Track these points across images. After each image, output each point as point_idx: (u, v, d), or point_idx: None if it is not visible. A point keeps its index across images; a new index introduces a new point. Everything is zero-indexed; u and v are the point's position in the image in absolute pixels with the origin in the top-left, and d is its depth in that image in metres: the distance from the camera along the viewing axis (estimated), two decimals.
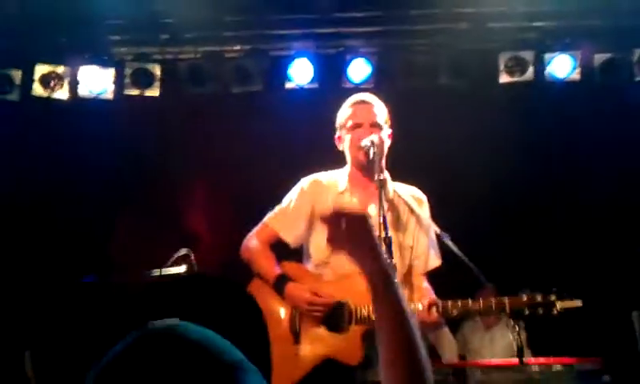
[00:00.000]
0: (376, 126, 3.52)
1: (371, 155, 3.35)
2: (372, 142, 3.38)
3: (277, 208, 3.70)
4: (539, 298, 3.16)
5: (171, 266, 5.19)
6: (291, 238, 3.63)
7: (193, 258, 5.26)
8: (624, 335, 5.20)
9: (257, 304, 1.48)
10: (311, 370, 3.33)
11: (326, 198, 3.61)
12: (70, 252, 6.39)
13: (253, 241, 3.67)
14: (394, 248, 3.33)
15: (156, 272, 5.15)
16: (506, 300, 3.20)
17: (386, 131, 3.58)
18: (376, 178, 3.23)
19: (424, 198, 3.71)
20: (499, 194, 6.53)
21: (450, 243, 3.40)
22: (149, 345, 1.01)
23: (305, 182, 3.69)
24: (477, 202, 6.37)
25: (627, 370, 5.06)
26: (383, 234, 3.01)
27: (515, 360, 4.87)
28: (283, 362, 3.39)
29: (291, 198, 3.68)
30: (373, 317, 3.25)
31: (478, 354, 5.91)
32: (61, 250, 6.42)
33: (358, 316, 3.31)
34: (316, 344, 3.36)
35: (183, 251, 5.19)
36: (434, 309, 3.23)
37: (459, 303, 3.26)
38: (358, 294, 3.32)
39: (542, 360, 4.93)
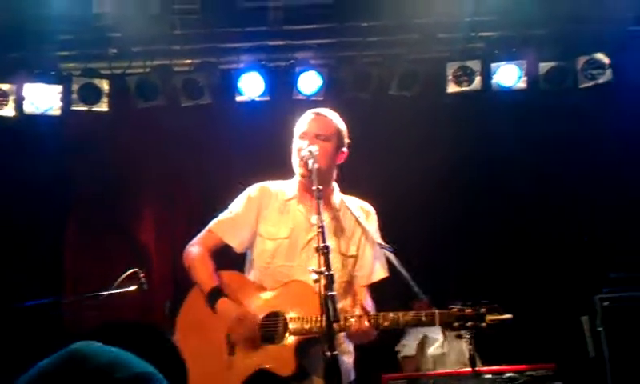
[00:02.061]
0: (319, 138, 3.51)
1: (309, 165, 3.35)
2: (310, 153, 3.39)
3: (222, 214, 3.70)
4: (468, 311, 3.17)
5: (121, 284, 5.13)
6: (236, 242, 3.63)
7: (142, 275, 5.21)
8: (574, 341, 5.29)
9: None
10: (244, 381, 3.31)
11: (273, 204, 3.61)
12: (19, 272, 6.25)
13: (195, 247, 3.64)
14: (336, 256, 3.33)
15: (105, 292, 5.09)
16: (436, 312, 3.21)
17: (334, 143, 3.57)
18: (313, 187, 3.23)
19: (372, 210, 3.73)
20: (449, 202, 6.59)
21: (390, 255, 3.41)
22: (68, 360, 1.07)
23: (252, 189, 3.69)
24: (426, 211, 6.43)
25: (579, 375, 5.14)
26: (321, 244, 3.01)
27: (468, 369, 4.96)
28: (217, 373, 3.38)
29: (237, 203, 3.68)
30: (307, 327, 3.26)
31: (434, 365, 5.94)
32: (7, 269, 6.27)
33: (292, 327, 3.30)
34: (250, 355, 3.34)
35: (132, 270, 5.14)
36: (364, 319, 3.22)
37: (390, 315, 3.27)
38: (293, 304, 3.33)
39: (494, 368, 5.02)
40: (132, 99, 6.40)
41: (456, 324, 3.17)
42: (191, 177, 6.78)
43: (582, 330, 5.53)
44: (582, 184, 6.42)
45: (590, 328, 5.54)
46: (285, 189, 3.65)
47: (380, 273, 3.60)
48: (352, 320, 3.24)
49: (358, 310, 3.29)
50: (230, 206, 3.69)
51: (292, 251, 3.48)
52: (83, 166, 6.65)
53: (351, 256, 3.55)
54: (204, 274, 3.53)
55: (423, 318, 3.22)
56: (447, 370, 5.27)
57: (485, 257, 6.45)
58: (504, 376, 4.88)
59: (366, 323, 3.22)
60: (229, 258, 3.75)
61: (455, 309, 3.17)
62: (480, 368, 4.86)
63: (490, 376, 4.86)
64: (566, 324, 5.62)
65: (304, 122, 3.60)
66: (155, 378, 1.09)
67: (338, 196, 3.66)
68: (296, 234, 3.52)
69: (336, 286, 3.34)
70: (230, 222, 3.63)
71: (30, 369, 1.09)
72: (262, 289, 3.51)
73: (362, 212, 3.63)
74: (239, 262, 3.75)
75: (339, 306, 3.34)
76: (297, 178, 3.63)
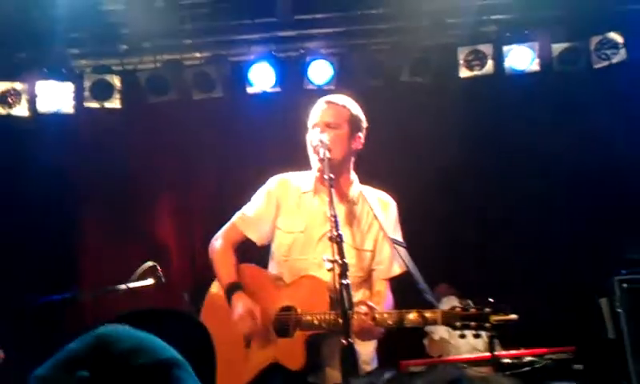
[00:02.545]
0: (330, 126, 3.47)
1: (321, 154, 3.33)
2: (321, 142, 3.36)
3: (244, 208, 3.70)
4: (472, 311, 3.11)
5: (138, 279, 5.15)
6: (256, 237, 3.63)
7: (159, 270, 5.23)
8: (594, 323, 5.25)
9: (207, 333, 1.47)
10: (259, 373, 3.35)
11: (292, 197, 3.60)
12: (36, 269, 6.29)
13: (218, 241, 3.68)
14: (349, 248, 3.31)
15: (122, 286, 5.11)
16: (439, 312, 3.17)
17: (347, 129, 3.52)
18: (325, 176, 3.21)
19: (391, 201, 3.66)
20: (464, 187, 6.55)
21: (402, 254, 3.38)
22: (93, 344, 1.08)
23: (272, 182, 3.68)
24: (441, 197, 6.40)
25: (599, 357, 5.11)
26: (335, 233, 3.00)
27: (487, 354, 4.94)
28: (233, 365, 3.42)
29: (258, 197, 3.67)
30: (316, 323, 3.26)
31: (456, 351, 5.91)
32: (26, 267, 6.32)
33: (303, 322, 3.30)
34: (264, 348, 3.38)
35: (149, 264, 5.15)
36: (369, 317, 3.19)
37: (394, 313, 3.24)
38: (304, 300, 3.34)
39: (513, 352, 5.00)
40: (144, 94, 6.42)
41: (459, 324, 3.12)
42: (206, 170, 6.79)
43: (601, 312, 5.50)
44: (598, 166, 6.35)
45: (609, 310, 5.50)
46: (303, 181, 3.63)
47: (396, 268, 3.56)
48: (355, 317, 3.20)
49: (364, 307, 3.24)
50: (252, 199, 3.69)
51: (308, 244, 3.47)
52: (98, 163, 6.67)
53: (367, 250, 3.51)
54: (223, 268, 3.58)
55: (427, 317, 3.17)
56: (466, 357, 5.24)
57: (502, 242, 6.41)
58: (523, 360, 4.87)
59: (370, 321, 3.18)
60: (256, 250, 3.75)
61: (459, 308, 3.11)
62: (499, 352, 4.85)
63: (509, 360, 4.85)
64: (586, 307, 5.58)
65: (316, 112, 3.57)
66: (179, 364, 1.09)
67: (356, 188, 3.60)
68: (311, 227, 3.49)
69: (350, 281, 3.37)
70: (251, 217, 3.63)
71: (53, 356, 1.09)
72: (280, 282, 3.52)
73: (380, 203, 3.58)
74: (266, 252, 3.76)
75: (354, 299, 3.36)
76: (314, 170, 3.60)
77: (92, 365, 1.03)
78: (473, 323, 3.08)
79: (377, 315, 3.18)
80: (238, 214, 3.68)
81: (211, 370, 1.56)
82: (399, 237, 3.58)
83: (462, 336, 3.13)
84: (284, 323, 3.37)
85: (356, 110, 3.60)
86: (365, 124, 3.60)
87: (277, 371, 3.33)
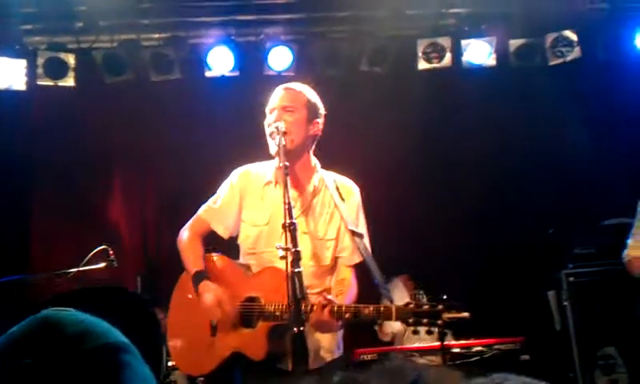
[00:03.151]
0: (287, 109, 3.44)
1: (276, 141, 3.31)
2: (277, 128, 3.33)
3: (210, 200, 3.67)
4: (425, 308, 3.14)
5: (89, 261, 5.09)
6: (221, 229, 3.61)
7: (111, 253, 5.17)
8: (541, 315, 5.38)
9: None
10: (223, 362, 3.36)
11: (254, 189, 3.56)
12: None
13: (185, 232, 3.66)
14: (305, 239, 3.31)
15: (74, 269, 5.04)
16: (393, 307, 3.18)
17: (304, 114, 3.49)
18: (280, 164, 3.20)
19: (355, 188, 3.62)
20: (420, 179, 6.63)
21: (360, 245, 3.39)
22: (37, 329, 1.05)
23: (235, 175, 3.64)
24: (398, 187, 6.46)
25: (546, 348, 5.25)
26: (288, 221, 3.00)
27: (437, 343, 5.02)
28: (200, 351, 3.46)
29: (222, 190, 3.64)
30: (278, 314, 3.26)
31: (403, 340, 5.99)
32: None
33: (266, 313, 3.31)
34: (228, 338, 3.38)
35: (101, 247, 5.10)
36: (326, 309, 3.20)
37: (352, 307, 3.22)
38: (269, 290, 3.31)
39: (462, 342, 5.10)
40: (99, 74, 6.30)
41: (411, 320, 3.14)
42: (161, 152, 6.70)
43: (548, 304, 5.65)
44: (550, 161, 6.49)
45: (556, 303, 5.65)
46: (264, 172, 3.59)
47: (357, 257, 3.56)
48: (314, 309, 3.20)
49: (322, 299, 3.24)
50: (217, 192, 3.66)
51: (272, 236, 3.42)
52: (50, 142, 6.53)
53: (330, 239, 3.50)
54: (190, 258, 3.57)
55: (381, 312, 3.19)
56: (417, 345, 5.31)
57: (455, 233, 6.50)
58: (473, 350, 4.99)
59: (328, 314, 3.18)
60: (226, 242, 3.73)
61: (412, 304, 3.14)
62: (449, 342, 4.94)
63: (458, 350, 4.96)
64: (534, 299, 5.71)
65: (274, 97, 3.54)
66: (127, 348, 1.07)
67: (317, 175, 3.56)
68: (275, 218, 3.43)
69: (313, 270, 3.38)
70: (216, 209, 3.62)
71: None
72: (248, 272, 3.52)
73: (343, 191, 3.55)
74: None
75: (317, 290, 3.37)
76: (276, 160, 3.58)
77: (37, 350, 1.00)
78: (425, 320, 3.10)
79: (335, 308, 3.18)
80: (203, 207, 3.66)
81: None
82: (362, 224, 3.56)
83: (416, 332, 3.16)
84: (248, 313, 3.36)
85: (313, 96, 3.57)
86: (323, 111, 3.57)
87: (239, 360, 3.34)
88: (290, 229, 2.98)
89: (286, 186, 3.11)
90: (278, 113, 3.42)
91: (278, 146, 3.27)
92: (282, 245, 2.97)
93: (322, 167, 3.61)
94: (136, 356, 1.09)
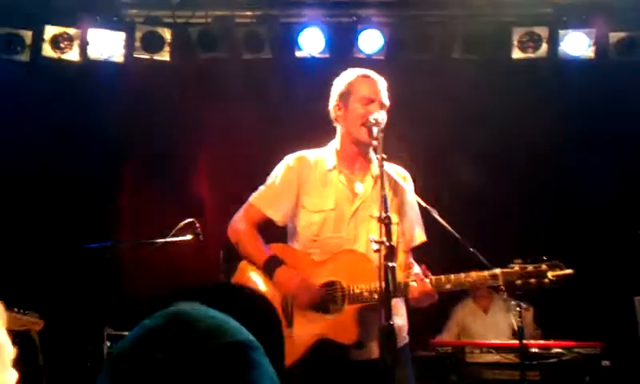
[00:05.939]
0: (383, 106, 3.47)
1: (374, 133, 3.31)
2: (376, 120, 3.34)
3: (262, 187, 3.61)
4: (530, 268, 3.12)
5: (176, 234, 5.25)
6: (278, 216, 3.54)
7: (198, 226, 5.31)
8: (625, 320, 5.20)
9: (276, 313, 1.45)
10: (306, 352, 3.28)
11: (314, 175, 3.54)
12: (77, 216, 6.43)
13: (240, 223, 3.58)
14: (372, 221, 3.26)
15: (161, 240, 5.21)
16: (499, 271, 3.15)
17: (387, 114, 3.52)
18: (378, 156, 3.20)
19: (408, 175, 3.62)
20: (506, 168, 6.49)
21: (438, 218, 3.34)
22: (169, 323, 1.06)
23: (290, 159, 3.60)
24: (484, 178, 6.35)
25: (627, 355, 5.08)
26: (383, 214, 2.97)
27: (515, 341, 4.94)
28: None
29: (276, 175, 3.58)
30: (367, 295, 3.27)
31: (482, 338, 5.92)
32: (67, 213, 6.46)
33: (351, 295, 3.30)
34: (310, 325, 3.32)
35: (189, 220, 5.24)
36: (427, 281, 3.20)
37: (452, 277, 3.21)
38: (349, 273, 3.31)
39: (541, 342, 5.00)
40: (193, 49, 6.43)
41: (519, 282, 3.11)
42: (248, 131, 6.79)
43: (633, 310, 5.45)
44: None
45: None
46: (324, 158, 3.59)
47: (421, 236, 3.55)
48: (413, 284, 3.22)
49: (421, 272, 3.25)
50: (269, 178, 3.61)
51: (339, 222, 3.44)
52: (143, 114, 6.73)
53: (394, 223, 3.50)
54: (255, 246, 3.49)
55: (487, 277, 3.17)
56: (494, 342, 5.25)
57: (541, 230, 6.35)
58: (552, 351, 4.87)
59: (429, 286, 3.19)
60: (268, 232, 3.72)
61: (517, 267, 3.12)
62: (528, 341, 4.85)
63: (537, 350, 4.86)
64: (619, 303, 5.53)
65: (373, 88, 3.52)
66: (255, 346, 1.07)
67: (376, 164, 3.52)
68: (341, 204, 3.46)
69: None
70: (271, 195, 3.56)
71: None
72: (312, 259, 3.46)
73: (399, 177, 3.56)
74: (278, 234, 3.73)
75: None
76: (334, 145, 3.58)
77: (171, 344, 1.01)
78: (532, 280, 3.10)
79: (434, 280, 3.19)
80: (254, 194, 3.60)
81: (280, 354, 1.53)
82: (416, 209, 3.55)
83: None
84: (331, 298, 3.33)
85: None
86: None
87: (323, 348, 3.28)
88: (386, 222, 2.95)
89: (382, 179, 3.10)
90: (377, 105, 3.43)
91: (377, 137, 3.27)
92: (376, 237, 2.94)
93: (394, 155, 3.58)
94: (264, 355, 1.08)
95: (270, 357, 1.10)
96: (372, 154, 3.55)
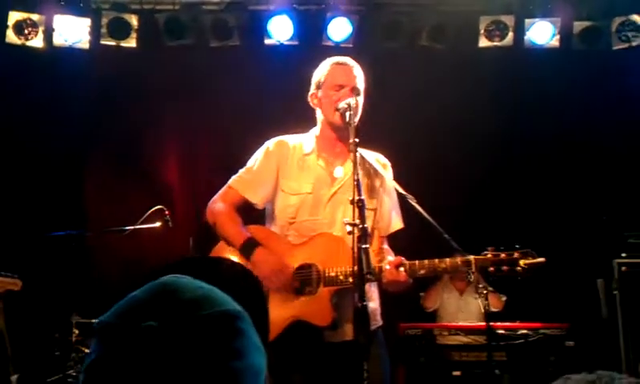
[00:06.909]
0: (355, 91, 3.50)
1: (347, 118, 3.34)
2: (349, 105, 3.37)
3: (241, 170, 3.63)
4: (503, 256, 3.21)
5: (146, 220, 5.23)
6: (257, 199, 3.57)
7: (167, 213, 5.30)
8: (589, 303, 5.32)
9: (259, 283, 1.45)
10: (280, 333, 3.29)
11: (292, 159, 3.57)
12: (41, 204, 6.35)
13: (218, 204, 3.59)
14: (349, 207, 3.31)
15: (130, 227, 5.18)
16: (472, 258, 3.22)
17: (363, 100, 3.56)
18: (351, 140, 3.23)
19: (387, 162, 3.68)
20: (473, 157, 6.57)
21: (416, 205, 3.40)
22: (156, 294, 1.07)
23: (270, 143, 3.63)
24: (451, 164, 6.43)
25: (590, 336, 5.20)
26: (357, 197, 3.01)
27: (482, 324, 5.04)
28: None
29: (256, 158, 3.60)
30: (341, 278, 3.30)
31: (454, 318, 6.03)
32: (31, 201, 6.37)
33: (326, 277, 3.34)
34: (285, 307, 3.34)
35: (158, 207, 5.22)
36: (401, 268, 3.25)
37: (426, 262, 3.27)
38: (325, 256, 3.34)
39: (508, 324, 5.09)
40: (160, 37, 6.39)
41: (492, 269, 3.19)
42: (216, 118, 6.77)
43: (596, 292, 5.58)
44: (608, 144, 6.37)
45: (605, 291, 5.58)
46: (302, 143, 3.62)
47: (397, 223, 3.60)
48: (387, 268, 3.26)
49: (393, 258, 3.29)
50: (249, 162, 3.63)
51: (316, 206, 3.47)
52: (109, 101, 6.66)
53: (371, 209, 3.54)
54: (233, 228, 3.50)
55: (460, 263, 3.23)
56: (462, 324, 5.34)
57: (507, 214, 6.46)
58: (518, 332, 4.97)
59: (402, 273, 3.24)
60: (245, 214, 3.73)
61: (490, 254, 3.20)
62: (494, 323, 4.94)
63: (503, 331, 4.95)
64: (582, 285, 5.65)
65: (338, 72, 3.56)
66: (242, 316, 1.09)
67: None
68: (318, 188, 3.49)
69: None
70: (250, 178, 3.58)
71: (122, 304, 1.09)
72: (289, 242, 3.49)
73: (379, 165, 3.60)
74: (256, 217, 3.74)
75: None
76: (314, 132, 3.62)
77: (158, 313, 1.02)
78: (505, 267, 3.16)
79: (408, 267, 3.23)
80: (234, 178, 3.62)
81: (265, 324, 1.54)
82: (394, 196, 3.59)
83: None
84: (306, 280, 3.36)
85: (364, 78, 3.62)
86: None
87: (297, 329, 3.31)
88: (359, 205, 2.98)
89: (355, 163, 3.13)
90: (348, 91, 3.46)
91: (349, 122, 3.29)
92: (350, 220, 2.97)
93: (366, 141, 3.62)
94: (251, 325, 1.10)
95: (256, 326, 1.12)
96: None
